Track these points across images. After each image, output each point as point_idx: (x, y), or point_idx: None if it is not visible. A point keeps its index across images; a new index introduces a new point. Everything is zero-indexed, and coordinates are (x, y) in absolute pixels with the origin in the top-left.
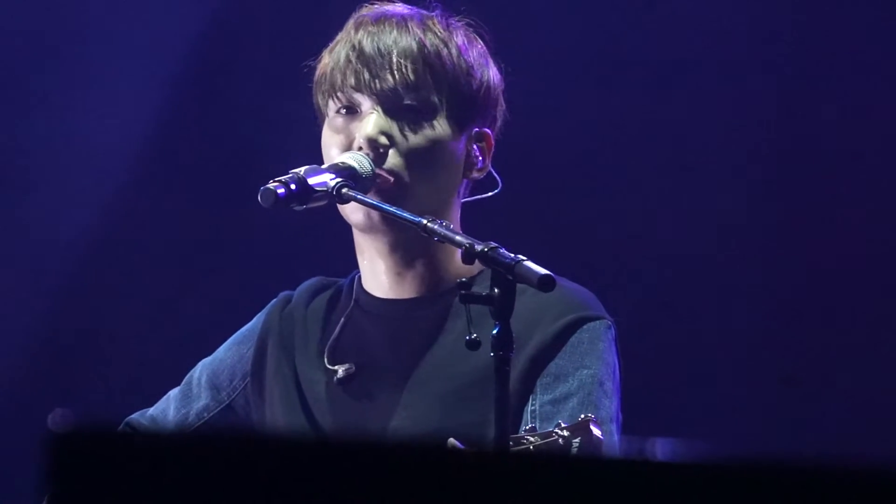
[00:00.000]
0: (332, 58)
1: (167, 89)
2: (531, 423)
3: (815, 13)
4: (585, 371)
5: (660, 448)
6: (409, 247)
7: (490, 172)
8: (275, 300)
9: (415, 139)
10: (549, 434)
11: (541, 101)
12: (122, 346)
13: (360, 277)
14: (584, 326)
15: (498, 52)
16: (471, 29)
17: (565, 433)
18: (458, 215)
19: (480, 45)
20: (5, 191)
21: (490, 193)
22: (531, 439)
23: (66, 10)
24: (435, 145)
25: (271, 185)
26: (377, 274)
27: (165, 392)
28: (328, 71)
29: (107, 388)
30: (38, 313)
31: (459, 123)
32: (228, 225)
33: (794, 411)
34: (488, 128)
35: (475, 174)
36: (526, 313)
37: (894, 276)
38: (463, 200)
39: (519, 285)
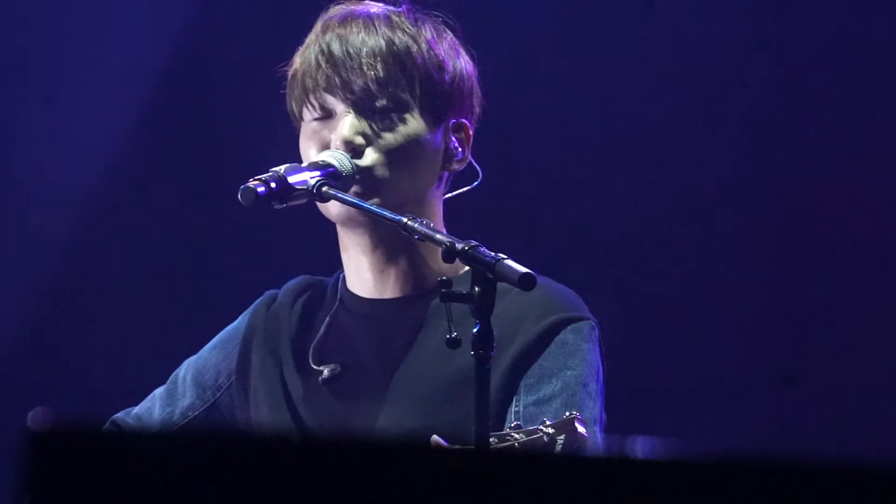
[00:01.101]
0: (303, 62)
1: (150, 88)
2: (515, 423)
3: (815, 12)
4: (569, 372)
5: (640, 446)
6: (391, 243)
7: (471, 163)
8: (260, 299)
9: (390, 137)
10: (534, 431)
11: (533, 97)
12: (104, 344)
13: (344, 277)
14: (569, 327)
15: (488, 48)
16: (439, 20)
17: (550, 430)
18: (440, 208)
19: (450, 36)
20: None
21: (471, 186)
22: (516, 436)
23: (49, 10)
24: (411, 141)
25: (251, 183)
26: (361, 272)
27: (148, 391)
28: (299, 76)
29: (88, 387)
30: (19, 311)
31: (435, 117)
32: (212, 223)
33: (793, 411)
34: (465, 118)
35: (455, 165)
36: (510, 313)
37: (895, 275)
38: (446, 196)
39: (503, 285)
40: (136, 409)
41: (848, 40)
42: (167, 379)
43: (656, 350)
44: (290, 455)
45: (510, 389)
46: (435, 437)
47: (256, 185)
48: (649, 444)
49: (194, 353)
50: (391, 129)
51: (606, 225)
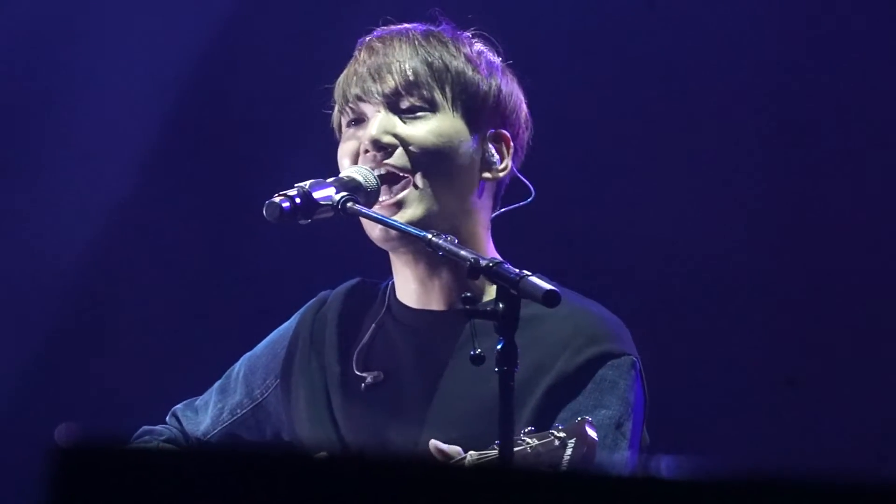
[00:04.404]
0: (342, 77)
1: (177, 94)
2: (528, 427)
3: (819, 10)
4: (603, 412)
5: (665, 465)
6: (433, 257)
7: (522, 181)
8: (312, 300)
9: (420, 134)
10: (546, 435)
11: (534, 96)
12: (131, 359)
13: (393, 284)
14: (609, 363)
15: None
16: (482, 41)
17: (561, 435)
18: (484, 220)
19: (491, 55)
20: (13, 195)
21: (523, 202)
22: (528, 441)
23: (72, 11)
24: (441, 139)
25: (276, 198)
26: (407, 283)
27: (171, 403)
28: (338, 88)
29: (114, 402)
30: (44, 321)
31: (470, 122)
32: (244, 231)
33: (797, 414)
34: (506, 130)
35: (496, 173)
36: (553, 336)
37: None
38: (497, 212)
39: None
40: (198, 401)
41: (854, 37)
42: (191, 392)
43: (656, 351)
44: (304, 472)
45: (544, 416)
46: (434, 442)
47: (281, 201)
48: (674, 463)
49: (220, 367)
50: (420, 127)
51: (606, 224)
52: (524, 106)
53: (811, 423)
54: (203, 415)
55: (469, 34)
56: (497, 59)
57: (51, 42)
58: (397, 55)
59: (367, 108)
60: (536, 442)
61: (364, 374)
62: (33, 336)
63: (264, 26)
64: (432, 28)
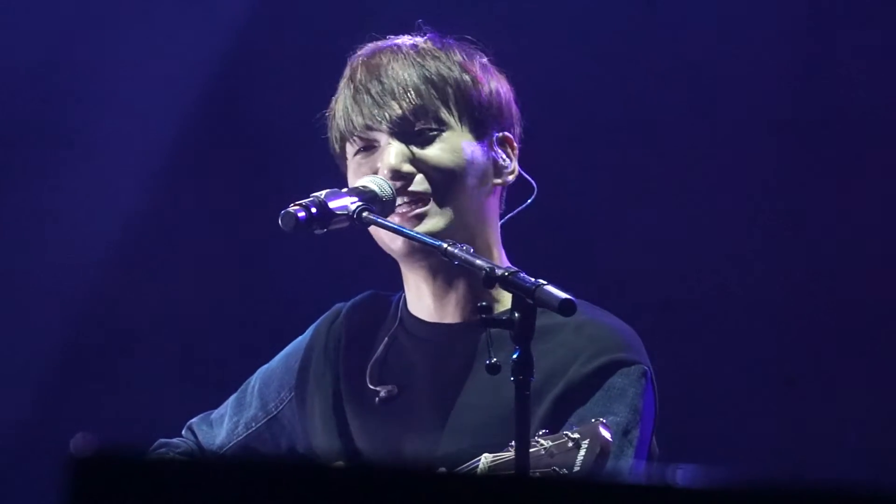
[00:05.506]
0: (339, 104)
1: (193, 104)
2: (542, 430)
3: (822, 10)
4: (611, 418)
5: (680, 475)
6: (450, 271)
7: (523, 176)
8: (326, 313)
9: (436, 158)
10: (560, 437)
11: (534, 94)
12: (145, 368)
13: (406, 298)
14: (620, 371)
15: (502, 58)
16: (467, 44)
17: (575, 436)
18: (497, 225)
19: (481, 57)
20: (32, 201)
21: (527, 202)
22: (543, 443)
23: (96, 11)
24: (455, 156)
25: (292, 208)
26: (421, 297)
27: (187, 416)
28: (338, 118)
29: (128, 411)
30: (62, 331)
31: (478, 132)
32: (259, 242)
33: (793, 413)
34: (508, 132)
35: (506, 178)
36: (566, 346)
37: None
38: (510, 215)
39: (562, 319)
40: (213, 414)
41: (857, 37)
42: (207, 405)
43: (656, 351)
44: (327, 482)
45: (553, 423)
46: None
47: (297, 211)
48: (690, 473)
49: (236, 379)
50: (435, 151)
51: (606, 225)
52: (513, 99)
53: (810, 423)
54: (218, 428)
55: (452, 39)
56: (484, 58)
57: (71, 46)
58: (398, 77)
59: (376, 136)
60: (550, 443)
61: (378, 388)
62: (51, 346)
63: (282, 31)
64: (419, 38)
